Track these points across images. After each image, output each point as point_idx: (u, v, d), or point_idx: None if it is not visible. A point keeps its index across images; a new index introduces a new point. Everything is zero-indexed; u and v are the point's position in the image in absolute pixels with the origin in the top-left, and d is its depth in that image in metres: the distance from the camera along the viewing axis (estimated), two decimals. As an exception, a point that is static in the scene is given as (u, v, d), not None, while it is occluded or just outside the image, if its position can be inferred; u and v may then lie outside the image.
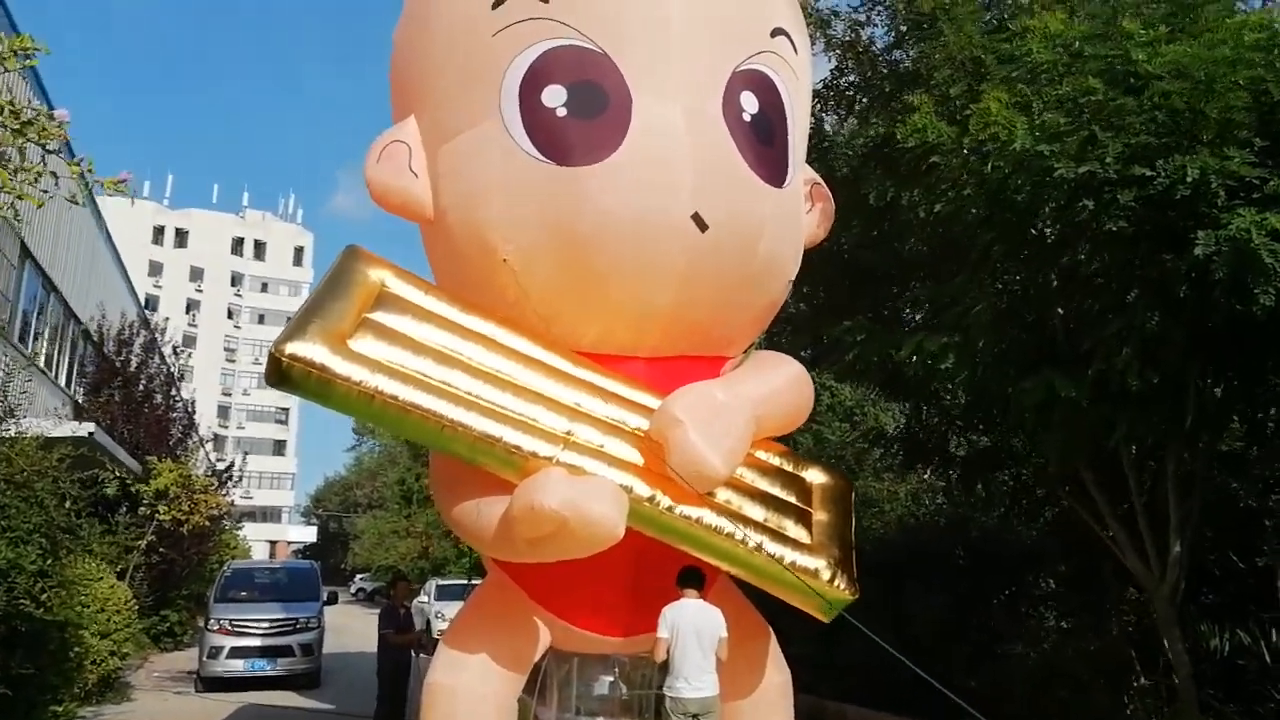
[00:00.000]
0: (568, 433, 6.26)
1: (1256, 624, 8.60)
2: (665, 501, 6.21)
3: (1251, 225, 6.01)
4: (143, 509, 18.09)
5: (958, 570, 12.39)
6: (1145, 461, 9.01)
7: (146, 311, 29.55)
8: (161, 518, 18.21)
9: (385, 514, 45.86)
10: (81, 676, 12.58)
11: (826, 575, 6.39)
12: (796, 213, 7.44)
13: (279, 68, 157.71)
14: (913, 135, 7.86)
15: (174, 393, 23.18)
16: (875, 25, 10.89)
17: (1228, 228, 6.13)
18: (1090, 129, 6.80)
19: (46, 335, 19.22)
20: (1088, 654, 10.15)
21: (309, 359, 5.91)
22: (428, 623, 21.36)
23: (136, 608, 16.00)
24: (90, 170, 5.32)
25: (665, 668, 6.77)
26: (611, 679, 7.38)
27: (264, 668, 15.79)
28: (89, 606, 13.10)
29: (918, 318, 10.39)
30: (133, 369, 21.44)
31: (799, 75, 7.45)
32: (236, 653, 15.78)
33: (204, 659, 15.84)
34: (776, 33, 7.16)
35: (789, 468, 7.09)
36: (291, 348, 5.92)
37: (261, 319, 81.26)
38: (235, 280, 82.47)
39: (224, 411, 77.68)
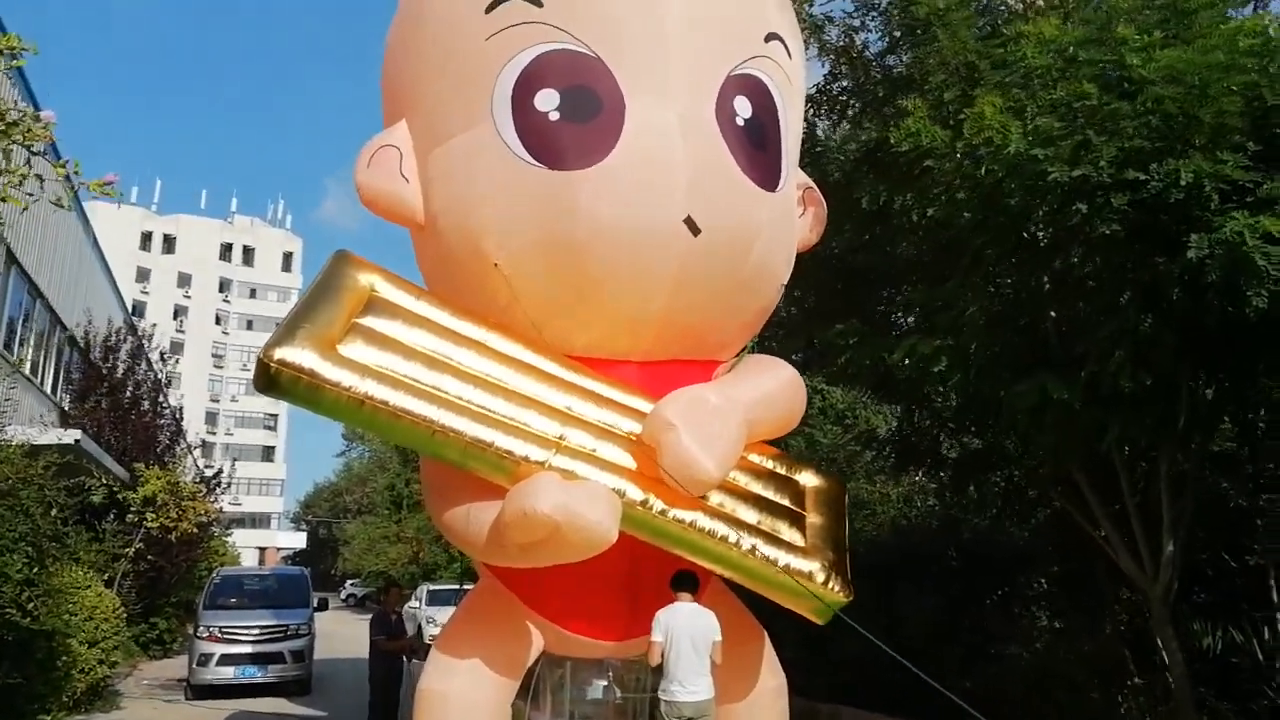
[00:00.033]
0: (560, 437, 6.23)
1: (1249, 622, 8.63)
2: (658, 505, 6.19)
3: (1245, 228, 6.02)
4: (130, 516, 17.97)
5: (950, 572, 12.40)
6: (1138, 462, 9.02)
7: (134, 317, 29.38)
8: (149, 525, 18.10)
9: (375, 519, 45.70)
10: (70, 685, 12.48)
11: (821, 578, 6.38)
12: (789, 217, 7.43)
13: (268, 73, 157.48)
14: (907, 139, 7.86)
15: (161, 399, 23.02)
16: (869, 30, 10.91)
17: (1221, 231, 6.14)
18: (1084, 133, 6.81)
19: (32, 342, 19.08)
20: (1081, 654, 10.16)
21: (298, 364, 5.87)
22: (419, 628, 21.26)
23: (125, 615, 15.89)
24: (77, 172, 5.25)
25: (659, 671, 6.74)
26: (605, 683, 7.36)
27: (254, 675, 15.70)
28: (76, 615, 13.00)
29: (909, 321, 10.39)
30: (119, 375, 21.29)
31: (792, 80, 7.45)
32: (226, 660, 15.67)
33: (194, 666, 15.74)
34: (770, 37, 7.16)
35: (782, 471, 7.08)
36: (280, 353, 5.87)
37: (250, 325, 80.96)
38: (223, 286, 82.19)
39: (212, 418, 77.40)
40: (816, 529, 6.72)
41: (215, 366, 79.98)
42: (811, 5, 11.37)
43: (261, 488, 79.87)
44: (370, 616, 11.71)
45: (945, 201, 7.95)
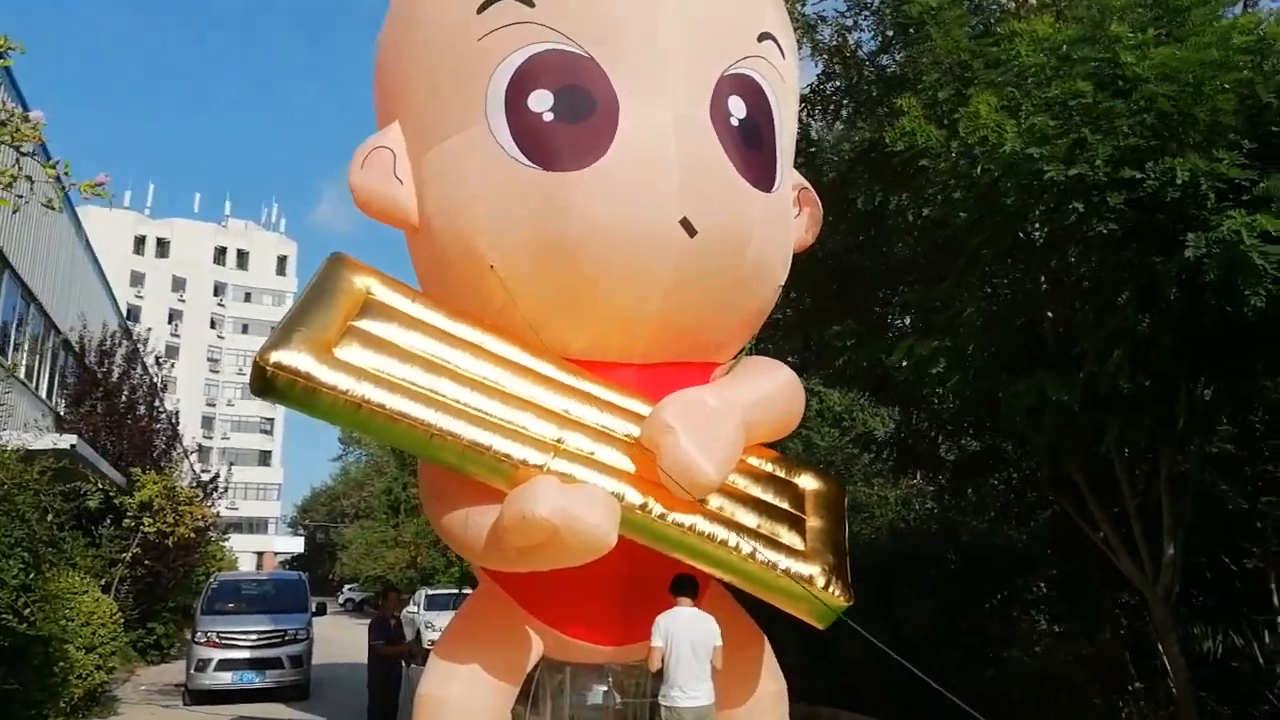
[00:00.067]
0: (558, 440, 6.21)
1: (1249, 626, 8.60)
2: (657, 509, 6.18)
3: (1242, 227, 6.01)
4: (127, 521, 17.90)
5: (948, 575, 12.39)
6: (1137, 464, 9.00)
7: (128, 322, 29.31)
8: (146, 530, 18.03)
9: (373, 524, 45.59)
10: (67, 690, 12.41)
11: (821, 582, 6.36)
12: (785, 217, 7.42)
13: (261, 75, 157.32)
14: (901, 139, 7.84)
15: (157, 404, 22.95)
16: (862, 30, 10.87)
17: (1218, 229, 6.13)
18: (1080, 132, 6.79)
19: (26, 346, 19.01)
20: (1081, 657, 10.15)
21: (294, 368, 5.85)
22: (418, 633, 21.23)
23: (122, 620, 15.81)
24: (67, 173, 5.19)
25: (660, 677, 6.71)
26: (605, 688, 7.34)
27: (252, 680, 15.64)
28: (73, 620, 12.93)
29: (906, 322, 10.37)
30: (115, 380, 21.21)
31: (786, 79, 7.44)
32: (224, 665, 15.61)
33: (191, 672, 15.67)
34: (763, 37, 7.16)
35: (781, 474, 7.07)
36: (276, 356, 5.85)
37: (245, 329, 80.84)
38: (218, 290, 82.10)
39: (208, 422, 77.29)
40: (816, 532, 6.70)
41: (211, 371, 79.87)
42: (804, 5, 11.36)
43: (258, 492, 79.72)
44: (368, 621, 11.67)
45: (941, 201, 7.93)
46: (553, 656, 7.07)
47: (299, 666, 16.17)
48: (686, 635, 6.58)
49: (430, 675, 6.80)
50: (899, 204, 8.58)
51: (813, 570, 6.38)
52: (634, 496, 6.15)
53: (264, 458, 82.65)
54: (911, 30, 9.04)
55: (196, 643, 15.88)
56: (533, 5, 6.46)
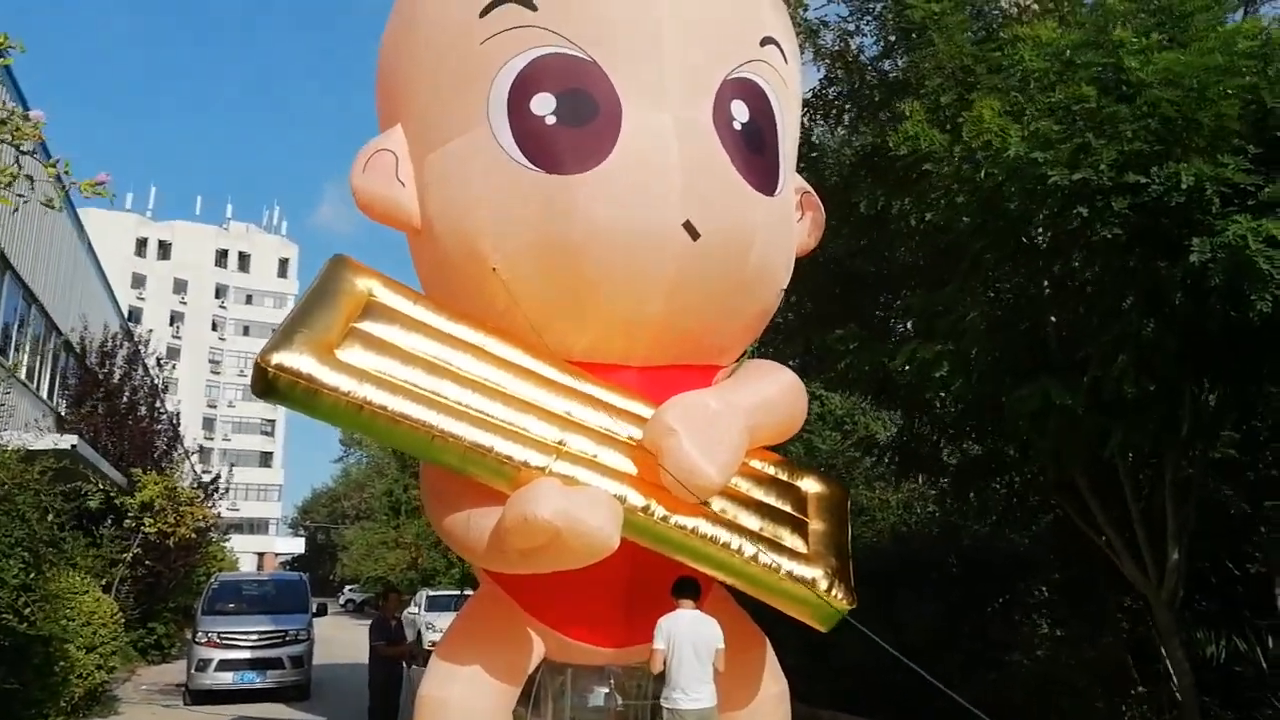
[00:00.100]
0: (560, 442, 6.20)
1: (1252, 630, 8.59)
2: (660, 511, 6.17)
3: (1247, 231, 6.00)
4: (128, 522, 17.91)
5: (950, 578, 12.36)
6: (1141, 469, 8.98)
7: (130, 323, 29.32)
8: (147, 530, 18.03)
9: (373, 525, 45.59)
10: (67, 690, 12.41)
11: (824, 585, 6.35)
12: (788, 221, 7.42)
13: (262, 78, 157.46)
14: (905, 143, 7.83)
15: (158, 405, 22.96)
16: (864, 35, 10.86)
17: (1223, 234, 6.12)
18: (1084, 136, 6.78)
19: (27, 347, 19.02)
20: (1084, 661, 10.13)
21: (295, 369, 5.84)
22: (419, 634, 21.21)
23: (123, 620, 15.82)
24: (67, 172, 5.17)
25: (661, 679, 6.70)
26: (606, 690, 7.32)
27: (253, 680, 15.64)
28: (74, 620, 12.93)
29: (908, 326, 10.36)
30: (116, 381, 21.24)
31: (789, 84, 7.44)
32: (225, 665, 15.60)
33: (192, 671, 15.67)
34: (766, 41, 7.16)
35: (784, 477, 7.06)
36: (278, 358, 5.85)
37: (246, 330, 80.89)
38: (219, 292, 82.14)
39: (209, 424, 77.29)
40: (819, 535, 6.69)
41: (212, 372, 79.90)
42: (806, 10, 11.34)
43: (259, 493, 79.77)
44: (369, 622, 11.66)
45: (944, 206, 7.92)
46: (554, 658, 7.07)
47: (300, 667, 16.17)
48: (689, 637, 6.57)
49: (432, 676, 6.79)
50: (901, 208, 8.57)
51: (815, 573, 6.37)
52: (636, 499, 6.14)
53: (265, 459, 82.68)
54: (914, 35, 9.03)
55: (197, 643, 15.87)
56: (535, 9, 6.46)
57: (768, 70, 7.09)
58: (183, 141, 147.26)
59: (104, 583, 16.32)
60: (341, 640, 23.44)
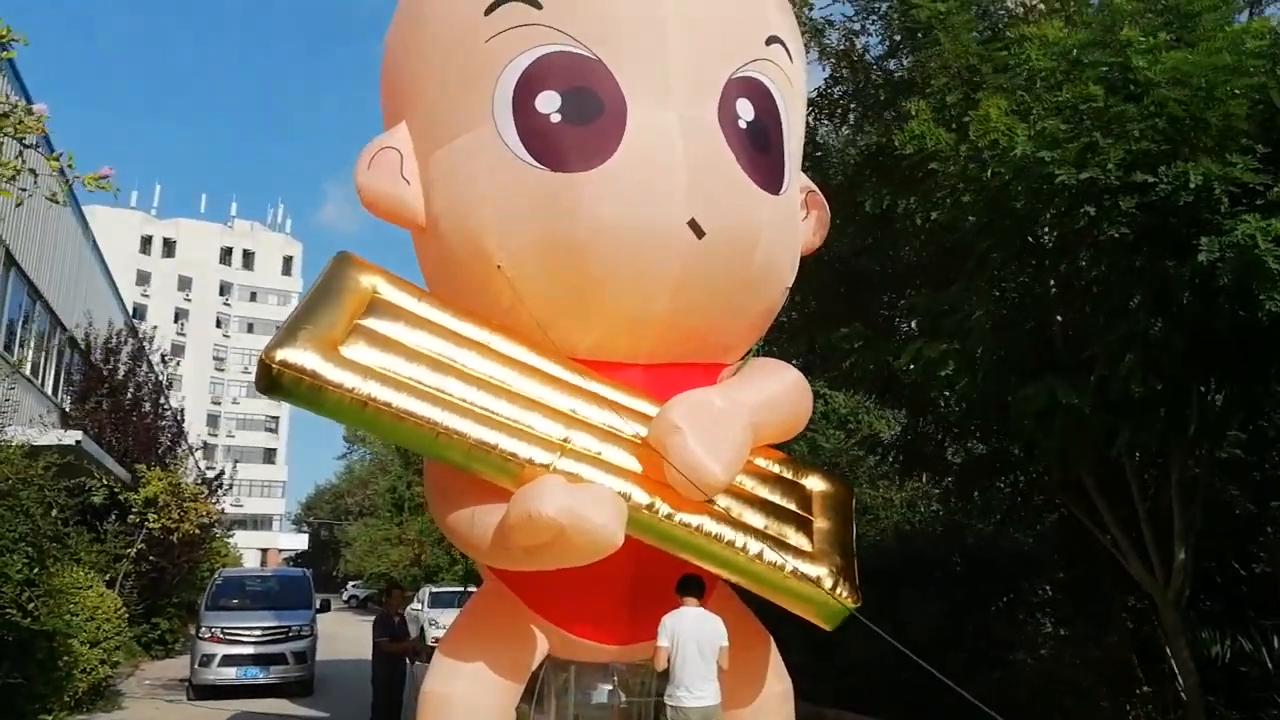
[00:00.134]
0: (565, 440, 6.20)
1: (1258, 631, 8.58)
2: (664, 509, 6.16)
3: (1256, 231, 5.99)
4: (132, 517, 17.95)
5: (954, 577, 12.35)
6: (1147, 468, 8.97)
7: (134, 320, 29.37)
8: (151, 526, 18.06)
9: (377, 521, 45.66)
10: (71, 685, 12.46)
11: (829, 583, 6.34)
12: (793, 219, 7.40)
13: (267, 76, 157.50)
14: (911, 142, 7.82)
15: (162, 401, 23.00)
16: (870, 34, 10.84)
17: (1231, 234, 6.11)
18: (1091, 135, 6.76)
19: (32, 343, 19.05)
20: (1088, 661, 10.11)
21: (300, 366, 5.83)
22: (422, 630, 21.24)
23: (126, 616, 15.85)
24: (70, 166, 5.14)
25: (665, 676, 6.70)
26: (610, 687, 7.32)
27: (256, 675, 15.68)
28: (78, 615, 12.98)
29: (912, 325, 10.35)
30: (120, 377, 21.28)
31: (794, 83, 7.43)
32: (229, 661, 15.66)
33: (196, 667, 15.72)
34: (771, 40, 7.14)
35: (789, 475, 7.05)
36: (282, 354, 5.84)
37: (251, 328, 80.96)
38: (224, 289, 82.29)
39: (213, 420, 77.42)
40: (824, 534, 6.68)
41: (216, 369, 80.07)
42: (811, 9, 11.32)
43: (263, 489, 79.91)
44: (373, 618, 11.68)
45: (950, 205, 7.91)
46: (558, 655, 7.06)
47: (303, 663, 16.22)
48: (693, 635, 6.57)
49: (435, 673, 6.79)
50: (907, 207, 8.56)
51: (820, 571, 6.37)
52: (641, 496, 6.13)
53: (269, 455, 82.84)
54: (919, 35, 9.01)
55: (201, 638, 15.92)
56: (540, 7, 6.45)
57: (773, 69, 7.07)
58: (187, 140, 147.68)
59: (108, 578, 16.37)
60: (345, 636, 23.48)
